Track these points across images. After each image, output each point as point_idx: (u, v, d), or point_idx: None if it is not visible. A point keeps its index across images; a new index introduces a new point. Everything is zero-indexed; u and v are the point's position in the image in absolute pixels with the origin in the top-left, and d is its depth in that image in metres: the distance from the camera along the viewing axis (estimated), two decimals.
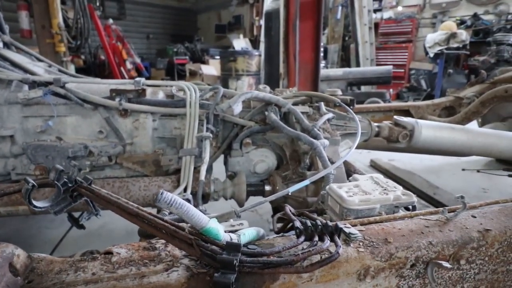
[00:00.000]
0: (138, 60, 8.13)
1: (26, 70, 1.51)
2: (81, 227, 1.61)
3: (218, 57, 8.06)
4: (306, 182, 0.95)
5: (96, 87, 1.56)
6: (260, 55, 6.38)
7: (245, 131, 1.50)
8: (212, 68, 7.69)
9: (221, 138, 1.57)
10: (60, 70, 1.85)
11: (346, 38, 8.90)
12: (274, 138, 1.54)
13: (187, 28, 13.53)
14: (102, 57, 8.29)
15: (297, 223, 0.77)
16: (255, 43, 8.47)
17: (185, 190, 1.25)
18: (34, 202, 0.79)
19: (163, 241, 0.78)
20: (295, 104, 1.62)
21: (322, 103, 1.70)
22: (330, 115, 1.57)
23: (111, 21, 7.68)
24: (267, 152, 1.54)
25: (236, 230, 0.80)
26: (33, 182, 0.78)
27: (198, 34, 12.86)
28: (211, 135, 1.36)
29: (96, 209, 0.89)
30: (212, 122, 1.44)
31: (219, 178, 1.52)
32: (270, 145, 1.57)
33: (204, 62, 8.80)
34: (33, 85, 1.42)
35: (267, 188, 1.48)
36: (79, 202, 0.85)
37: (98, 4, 8.81)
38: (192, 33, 12.88)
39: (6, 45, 1.87)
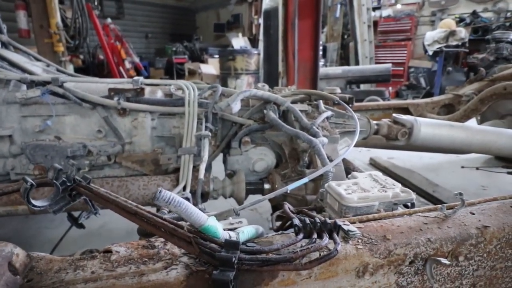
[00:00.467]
0: (137, 60, 8.11)
1: (24, 70, 1.51)
2: (81, 226, 1.61)
3: (217, 56, 8.04)
4: (305, 180, 0.95)
5: (94, 87, 1.56)
6: (259, 54, 6.38)
7: (243, 130, 1.50)
8: (211, 67, 7.68)
9: (220, 137, 1.57)
10: (58, 70, 1.85)
11: (345, 37, 8.90)
12: (273, 137, 1.54)
13: (186, 27, 13.50)
14: (101, 57, 8.28)
15: (296, 221, 0.77)
16: (254, 41, 8.46)
17: (184, 188, 1.25)
18: (33, 202, 0.80)
19: (162, 239, 0.78)
20: (293, 102, 1.62)
21: (321, 101, 1.70)
22: (329, 113, 1.56)
23: (109, 20, 7.66)
24: (266, 150, 1.54)
25: (235, 228, 0.80)
26: (32, 181, 0.78)
27: (197, 33, 12.83)
28: (210, 133, 1.36)
29: (95, 208, 0.89)
30: (211, 121, 1.44)
31: (218, 176, 1.52)
32: (269, 144, 1.57)
33: (203, 61, 8.79)
34: (31, 84, 1.42)
35: (266, 186, 1.48)
36: (78, 201, 0.85)
37: (96, 3, 8.77)
38: (191, 32, 12.85)
39: (4, 44, 1.87)
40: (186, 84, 1.52)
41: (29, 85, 1.42)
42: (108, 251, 0.76)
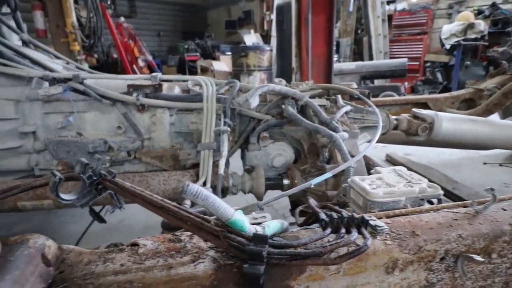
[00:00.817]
0: (150, 58, 8.18)
1: (45, 67, 1.54)
2: (102, 220, 1.63)
3: (228, 53, 8.04)
4: (329, 174, 0.94)
5: (113, 83, 1.58)
6: (271, 50, 6.34)
7: (262, 125, 1.49)
8: (223, 64, 7.69)
9: (238, 132, 1.57)
10: (77, 67, 1.88)
11: (359, 31, 8.75)
12: (291, 132, 1.53)
13: (197, 25, 13.54)
14: (115, 55, 8.39)
15: (322, 215, 0.76)
16: (266, 38, 8.41)
17: (204, 184, 1.25)
18: (61, 195, 0.81)
19: (188, 233, 0.78)
20: (311, 97, 1.60)
21: (339, 96, 1.67)
22: (348, 107, 1.54)
23: (122, 19, 7.74)
24: (285, 145, 1.53)
25: (259, 223, 0.79)
26: (60, 175, 0.80)
27: (208, 30, 12.86)
28: (228, 129, 1.36)
29: (120, 202, 0.90)
30: (229, 116, 1.43)
31: (237, 172, 1.51)
32: (287, 139, 1.56)
33: (215, 58, 8.80)
34: (53, 82, 1.44)
35: (286, 182, 1.47)
36: (103, 195, 0.86)
37: (109, 2, 8.86)
38: (202, 29, 12.89)
39: (25, 43, 1.91)
40: (204, 80, 1.52)
41: (51, 82, 1.45)
42: (135, 245, 0.77)
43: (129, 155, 1.48)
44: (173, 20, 13.25)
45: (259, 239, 0.64)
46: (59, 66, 1.70)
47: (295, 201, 1.46)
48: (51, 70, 1.52)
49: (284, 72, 4.85)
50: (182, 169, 1.49)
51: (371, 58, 7.85)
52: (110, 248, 0.82)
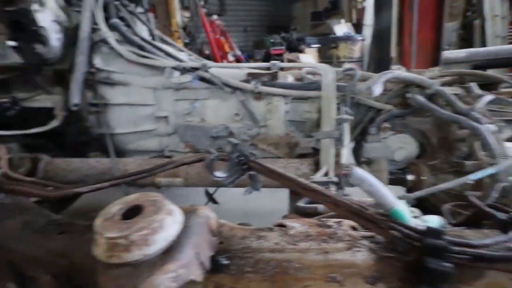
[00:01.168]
0: (238, 53, 8.52)
1: (176, 58, 1.71)
2: (215, 202, 1.76)
3: (314, 45, 7.84)
4: (492, 170, 0.81)
5: (230, 72, 1.66)
6: (363, 40, 5.97)
7: (383, 115, 1.39)
8: (309, 56, 7.54)
9: (354, 122, 1.49)
10: (197, 58, 2.05)
11: (468, 14, 7.57)
12: (416, 123, 1.39)
13: (282, 19, 13.59)
14: (207, 52, 8.98)
15: (501, 216, 0.65)
16: (356, 27, 7.94)
17: (326, 174, 1.22)
18: (214, 173, 0.87)
19: (335, 219, 0.76)
20: (442, 85, 1.42)
21: (475, 84, 1.45)
22: (490, 96, 1.32)
23: (215, 17, 8.21)
24: (407, 138, 1.40)
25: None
26: (217, 153, 0.86)
27: (293, 23, 12.80)
28: (351, 117, 1.30)
29: (258, 183, 0.93)
30: (349, 105, 1.37)
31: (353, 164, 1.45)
32: (409, 131, 1.42)
33: (301, 51, 8.69)
34: (183, 71, 1.59)
35: (410, 177, 1.35)
36: (246, 175, 0.91)
37: (203, 2, 9.50)
38: (287, 23, 12.89)
39: (153, 38, 2.15)
40: (323, 67, 1.48)
41: (181, 71, 1.60)
42: (282, 226, 0.78)
43: (246, 141, 1.54)
44: (259, 15, 13.57)
45: (433, 233, 0.58)
46: (185, 57, 1.87)
47: (421, 200, 1.33)
48: (180, 61, 1.68)
49: (381, 62, 4.51)
50: (295, 157, 1.50)
51: (483, 44, 6.72)
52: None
